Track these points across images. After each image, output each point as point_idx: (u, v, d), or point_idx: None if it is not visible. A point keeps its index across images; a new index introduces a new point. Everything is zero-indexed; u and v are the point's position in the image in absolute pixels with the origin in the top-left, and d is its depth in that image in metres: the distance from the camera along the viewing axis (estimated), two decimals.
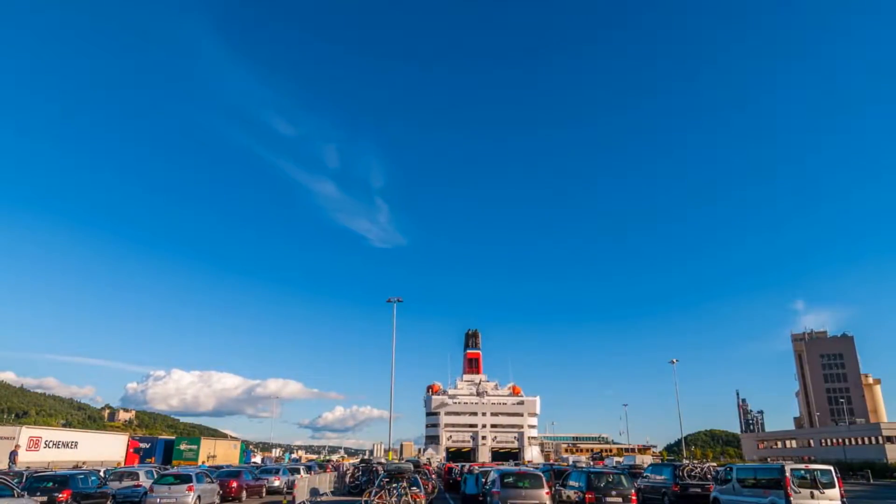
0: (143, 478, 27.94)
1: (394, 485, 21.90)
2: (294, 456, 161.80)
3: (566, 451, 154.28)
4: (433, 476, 37.37)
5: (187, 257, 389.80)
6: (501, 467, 32.41)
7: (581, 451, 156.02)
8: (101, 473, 28.13)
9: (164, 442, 63.71)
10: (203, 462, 56.21)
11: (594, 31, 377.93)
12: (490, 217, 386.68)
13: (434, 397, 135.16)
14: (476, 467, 34.65)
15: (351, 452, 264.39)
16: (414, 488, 22.30)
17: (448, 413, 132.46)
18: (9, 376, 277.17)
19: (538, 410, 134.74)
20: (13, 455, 33.87)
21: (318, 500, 28.71)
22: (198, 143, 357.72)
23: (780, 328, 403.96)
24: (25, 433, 40.33)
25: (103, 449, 50.96)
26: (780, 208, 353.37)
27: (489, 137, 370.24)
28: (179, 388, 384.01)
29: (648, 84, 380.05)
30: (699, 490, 26.49)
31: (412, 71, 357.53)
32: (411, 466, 24.64)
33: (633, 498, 21.29)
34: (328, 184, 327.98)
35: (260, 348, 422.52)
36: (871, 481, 61.28)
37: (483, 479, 26.15)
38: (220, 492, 27.67)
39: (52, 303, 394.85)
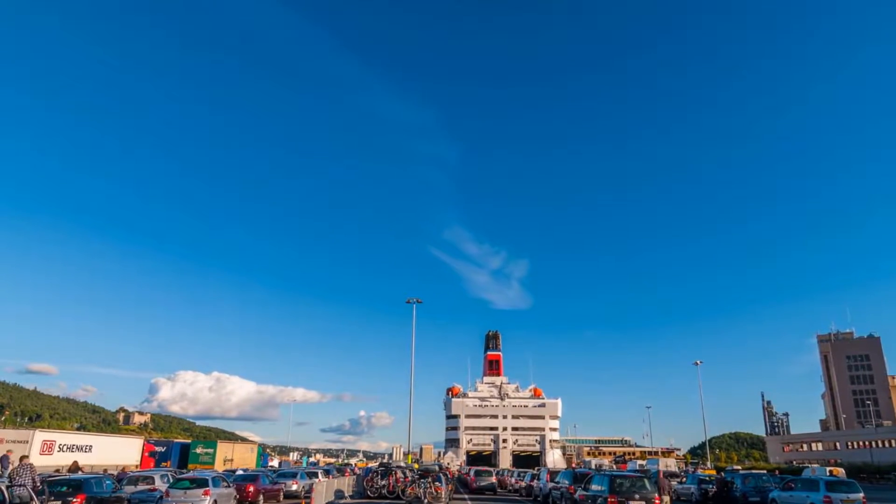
0: (158, 482, 27.52)
1: (422, 480, 28.83)
2: (312, 459, 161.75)
3: (588, 454, 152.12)
4: (453, 478, 40.21)
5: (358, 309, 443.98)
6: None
7: (604, 454, 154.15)
8: (115, 472, 27.58)
9: (180, 445, 62.93)
10: (219, 466, 55.96)
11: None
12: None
13: (454, 400, 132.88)
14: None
15: (370, 456, 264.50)
16: (436, 483, 29.02)
17: (468, 416, 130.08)
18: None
19: (560, 413, 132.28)
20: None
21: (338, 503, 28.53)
22: (413, 258, 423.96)
23: (807, 335, 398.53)
24: (39, 437, 39.87)
25: (118, 452, 50.30)
26: (809, 227, 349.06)
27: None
28: (195, 391, 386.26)
29: (683, 101, 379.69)
30: None
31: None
32: (437, 468, 33.49)
33: (657, 501, 21.17)
34: (483, 275, 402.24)
35: (290, 356, 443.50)
36: None
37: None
38: (237, 496, 27.10)
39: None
